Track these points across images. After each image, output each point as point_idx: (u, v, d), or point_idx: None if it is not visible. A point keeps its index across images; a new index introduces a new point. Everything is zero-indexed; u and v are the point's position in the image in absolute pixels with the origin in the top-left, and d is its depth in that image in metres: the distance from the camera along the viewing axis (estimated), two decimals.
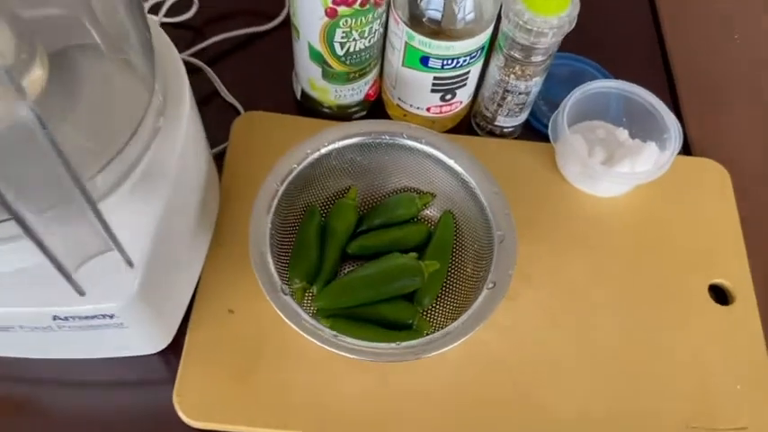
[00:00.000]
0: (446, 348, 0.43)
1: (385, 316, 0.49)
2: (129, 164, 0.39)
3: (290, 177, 0.49)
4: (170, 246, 0.43)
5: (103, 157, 0.37)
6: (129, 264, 0.35)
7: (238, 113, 0.61)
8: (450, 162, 0.51)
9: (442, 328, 0.45)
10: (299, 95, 0.61)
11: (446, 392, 0.49)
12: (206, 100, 0.63)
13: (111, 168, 0.37)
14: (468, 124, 0.64)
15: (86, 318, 0.40)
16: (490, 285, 0.46)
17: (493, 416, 0.49)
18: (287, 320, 0.43)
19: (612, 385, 0.51)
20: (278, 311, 0.43)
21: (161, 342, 0.47)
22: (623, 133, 0.60)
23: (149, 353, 0.48)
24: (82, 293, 0.34)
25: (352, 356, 0.42)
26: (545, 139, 0.59)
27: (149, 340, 0.47)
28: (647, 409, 0.50)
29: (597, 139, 0.60)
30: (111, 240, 0.33)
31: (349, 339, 0.43)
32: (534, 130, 0.63)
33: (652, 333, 0.53)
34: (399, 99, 0.59)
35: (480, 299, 0.45)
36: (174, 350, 0.48)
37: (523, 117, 0.61)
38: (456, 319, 0.45)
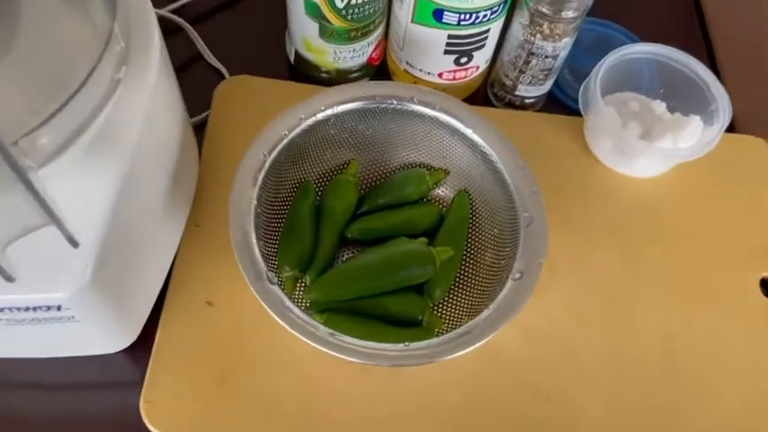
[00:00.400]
0: (465, 351, 0.38)
1: (390, 311, 0.45)
2: (81, 121, 0.34)
3: (281, 146, 0.44)
4: (133, 223, 0.38)
5: (46, 109, 0.31)
6: (72, 242, 0.29)
7: (223, 78, 0.56)
8: (468, 132, 0.46)
9: (457, 325, 0.41)
10: (292, 58, 0.56)
11: (460, 401, 0.45)
12: (187, 63, 0.58)
13: (56, 124, 0.32)
14: (484, 95, 0.58)
15: (26, 310, 0.34)
16: (517, 276, 0.41)
17: (514, 428, 0.44)
18: (273, 314, 0.38)
19: (651, 393, 0.46)
20: (262, 303, 0.38)
21: (125, 339, 0.43)
22: (660, 106, 0.54)
23: (111, 351, 0.43)
24: (10, 279, 0.28)
25: (350, 359, 0.38)
26: (570, 112, 0.56)
27: (110, 337, 0.42)
28: (690, 420, 0.46)
29: (630, 112, 0.55)
30: (46, 212, 0.26)
31: (347, 338, 0.39)
32: (558, 103, 0.59)
33: (696, 333, 0.48)
34: (407, 63, 0.53)
35: (504, 292, 0.41)
36: (142, 348, 0.44)
37: (547, 86, 0.55)
38: (473, 316, 0.41)
